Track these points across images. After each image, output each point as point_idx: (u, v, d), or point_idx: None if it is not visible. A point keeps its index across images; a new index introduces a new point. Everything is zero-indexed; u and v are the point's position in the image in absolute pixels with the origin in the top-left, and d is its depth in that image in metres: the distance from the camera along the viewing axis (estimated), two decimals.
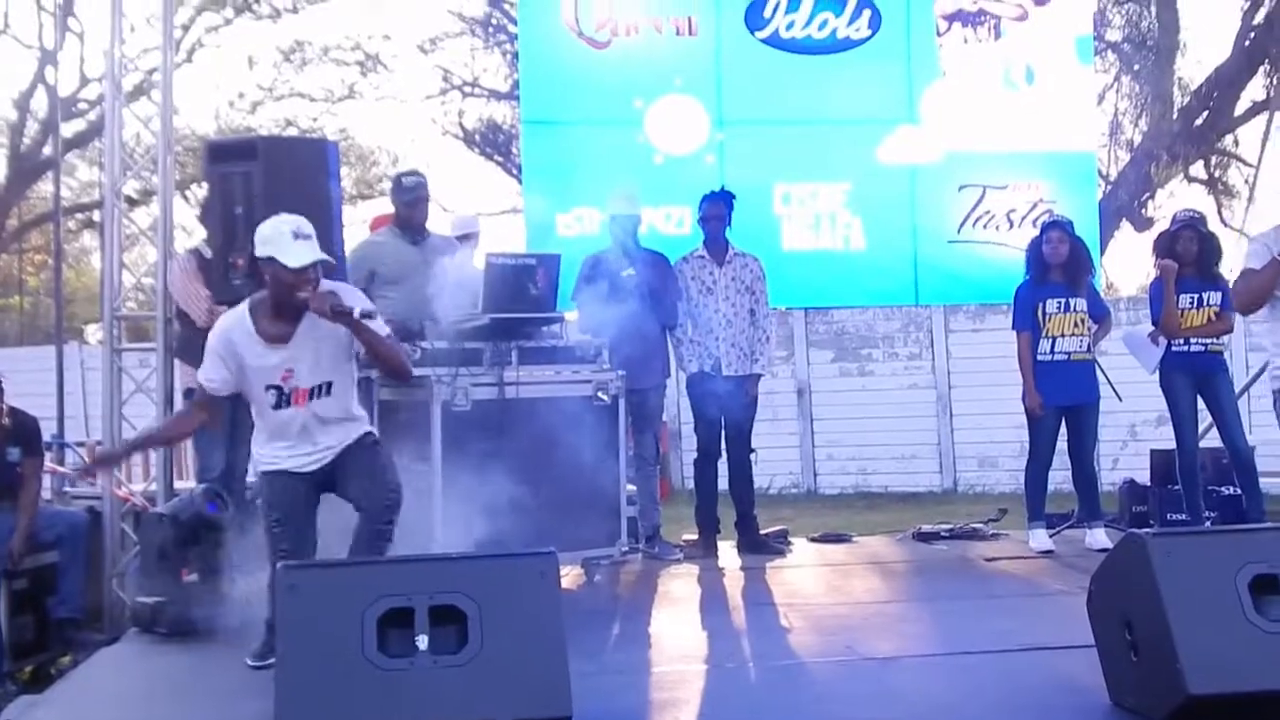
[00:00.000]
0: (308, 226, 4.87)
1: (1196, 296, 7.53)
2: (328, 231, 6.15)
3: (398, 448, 6.30)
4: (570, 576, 6.79)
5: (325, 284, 4.87)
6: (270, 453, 5.05)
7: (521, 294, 6.52)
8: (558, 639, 3.85)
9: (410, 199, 7.18)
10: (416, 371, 6.25)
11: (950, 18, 9.15)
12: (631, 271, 7.50)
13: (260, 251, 4.83)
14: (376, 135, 30.10)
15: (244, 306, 4.98)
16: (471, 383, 6.28)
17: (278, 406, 4.94)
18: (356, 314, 4.80)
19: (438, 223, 7.60)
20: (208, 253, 6.52)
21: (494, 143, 19.32)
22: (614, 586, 6.79)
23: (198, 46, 20.42)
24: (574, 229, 8.58)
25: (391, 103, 22.20)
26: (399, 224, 7.18)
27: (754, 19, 8.93)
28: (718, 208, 7.72)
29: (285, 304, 4.84)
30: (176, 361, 6.98)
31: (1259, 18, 17.32)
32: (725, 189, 7.84)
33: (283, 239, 4.79)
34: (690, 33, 8.84)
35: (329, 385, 4.97)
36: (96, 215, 20.05)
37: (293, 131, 19.96)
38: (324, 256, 4.88)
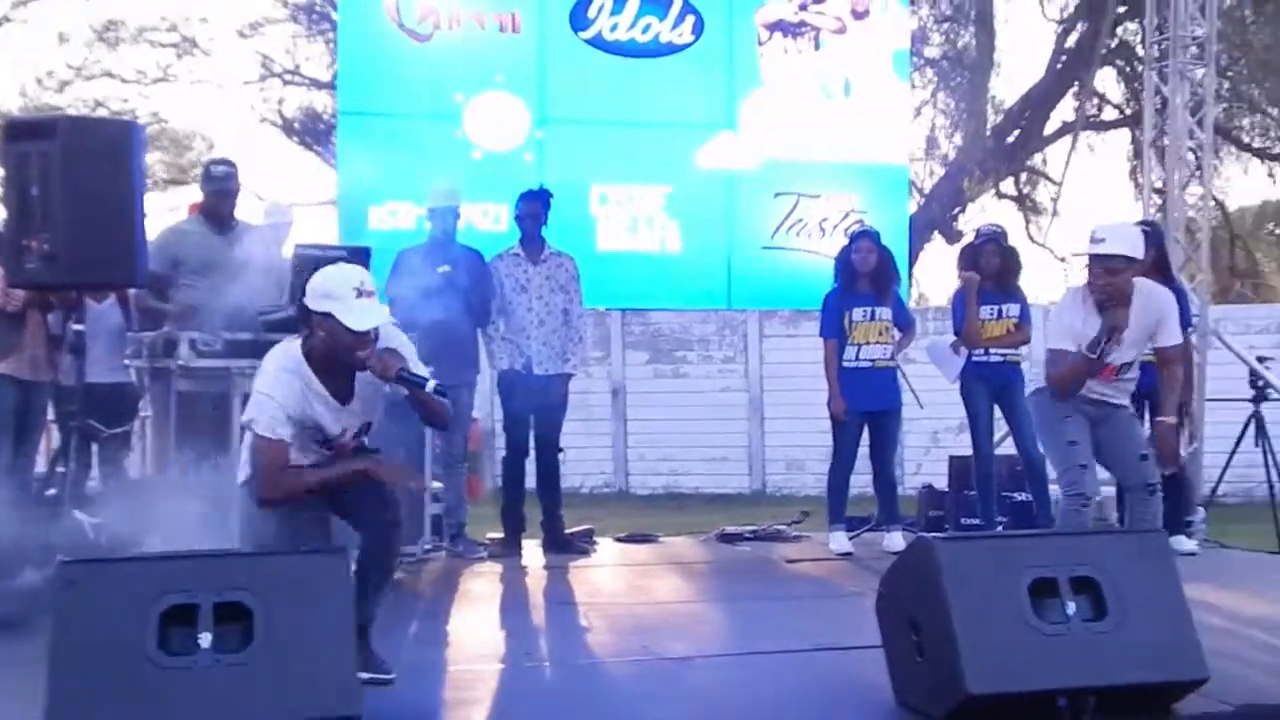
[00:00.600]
0: (370, 281, 4.45)
1: (997, 308, 7.75)
2: (128, 216, 5.99)
3: (197, 441, 6.18)
4: None
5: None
6: None
7: None
8: (347, 638, 3.79)
9: (219, 189, 7.03)
10: (218, 363, 6.13)
11: (771, 27, 9.28)
12: (447, 268, 7.44)
13: (317, 305, 4.37)
14: (192, 120, 29.27)
15: (297, 354, 4.47)
16: None
17: (317, 447, 4.57)
18: (430, 389, 4.47)
19: (252, 211, 7.45)
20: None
21: (314, 132, 19.00)
22: (415, 585, 6.71)
23: (4, 21, 19.65)
24: (388, 223, 8.49)
25: (208, 87, 21.53)
26: (205, 212, 7.02)
27: (578, 19, 8.94)
28: (534, 206, 7.70)
29: (341, 362, 4.44)
30: None
31: (1070, 42, 17.97)
32: (543, 187, 7.83)
33: (345, 297, 4.33)
34: (514, 29, 8.81)
35: (368, 426, 4.71)
36: None
37: (103, 113, 19.27)
38: (389, 319, 4.55)
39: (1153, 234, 7.23)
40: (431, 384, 4.48)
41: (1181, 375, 6.12)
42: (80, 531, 5.73)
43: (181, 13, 20.95)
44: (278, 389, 4.39)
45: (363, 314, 4.34)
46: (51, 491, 6.13)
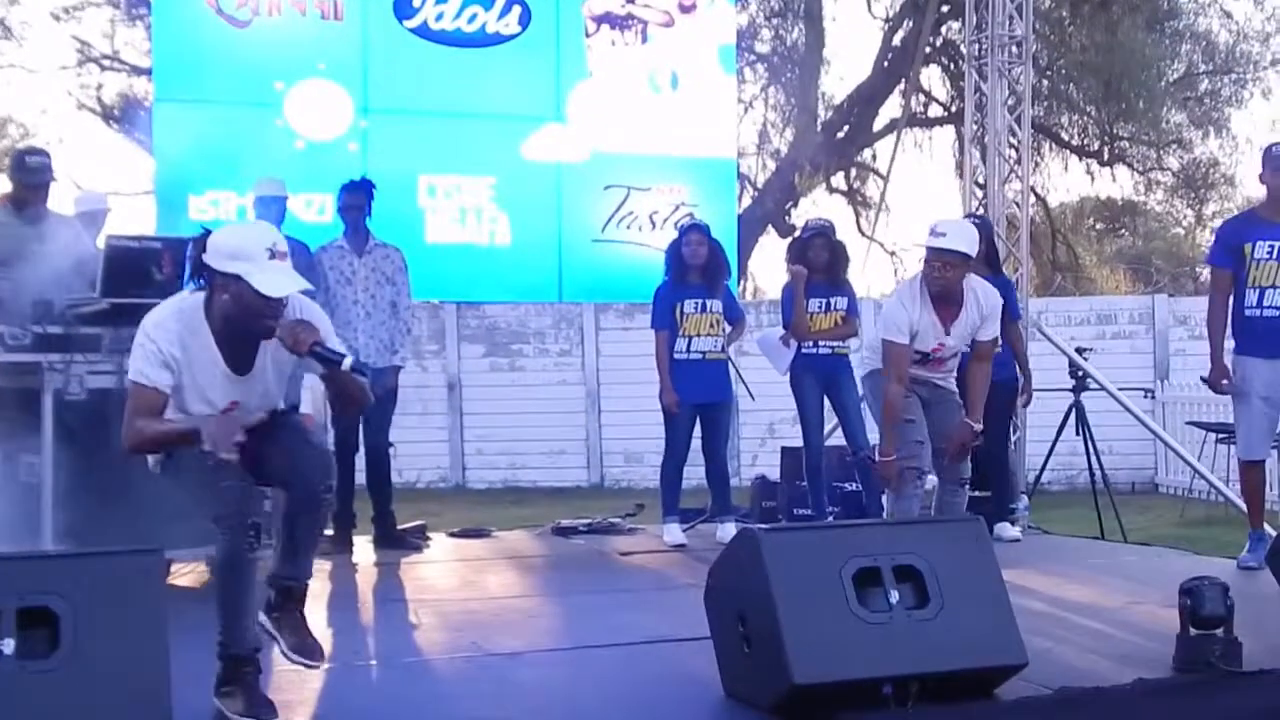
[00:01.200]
0: (283, 241, 4.01)
1: (825, 301, 7.84)
2: None
3: (5, 438, 5.94)
4: (194, 574, 6.51)
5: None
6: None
7: (144, 278, 6.17)
8: (160, 642, 3.64)
9: (34, 181, 6.74)
10: (24, 358, 5.90)
11: (599, 19, 9.27)
12: None
13: (222, 265, 3.89)
14: (4, 106, 28.24)
15: (198, 310, 4.01)
16: (87, 370, 5.94)
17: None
18: (347, 365, 4.01)
19: (65, 200, 7.18)
20: None
21: (134, 119, 18.44)
22: None
23: None
24: (209, 213, 8.26)
25: (21, 72, 20.74)
26: (14, 202, 6.73)
27: (402, 7, 8.82)
28: (357, 197, 7.56)
29: (244, 330, 4.00)
30: None
31: (896, 40, 18.32)
32: (365, 178, 7.68)
33: (257, 258, 3.87)
34: (336, 17, 8.66)
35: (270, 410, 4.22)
36: None
37: None
38: (306, 285, 4.03)
39: (982, 226, 7.42)
40: (348, 360, 4.03)
41: (990, 371, 6.35)
42: None
43: None
44: (159, 333, 3.96)
45: (276, 278, 3.88)
46: None
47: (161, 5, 8.73)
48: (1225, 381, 6.75)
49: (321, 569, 6.92)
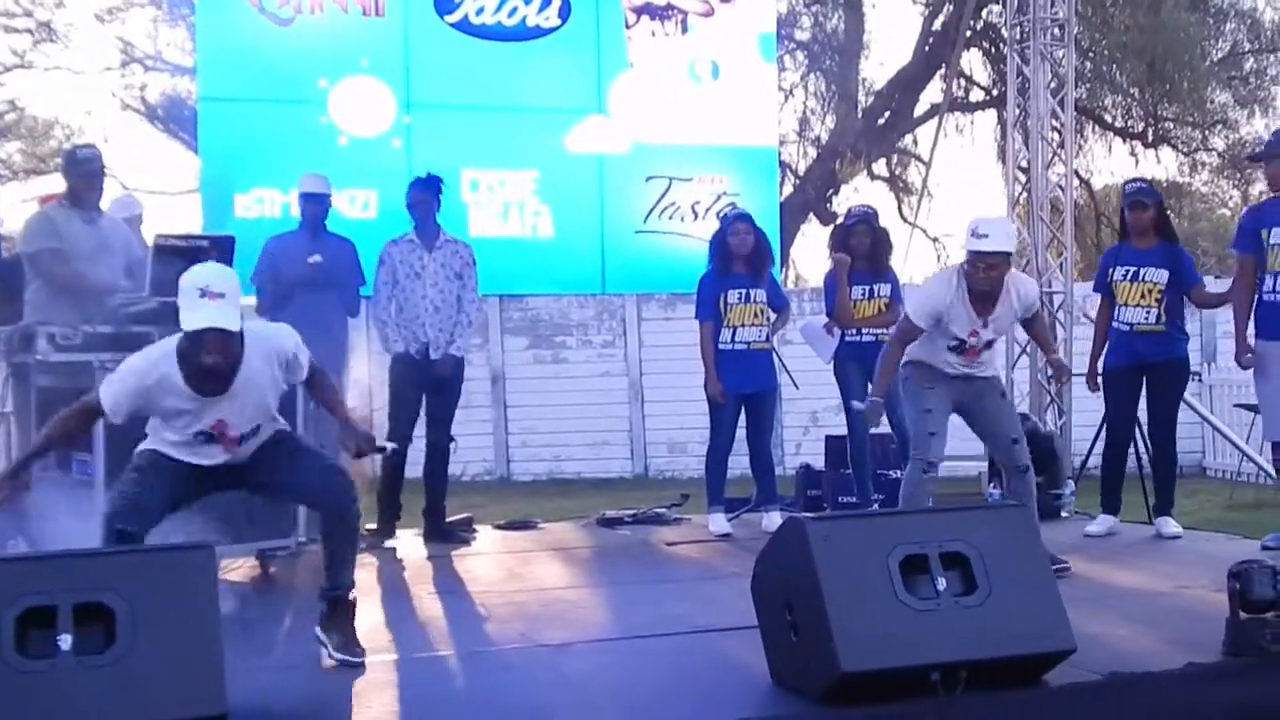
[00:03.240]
0: (221, 282, 4.32)
1: (868, 288, 7.82)
2: None
3: None
4: (245, 569, 6.58)
5: (257, 329, 4.60)
6: (165, 443, 4.58)
7: None
8: (213, 636, 3.70)
9: (85, 172, 6.84)
10: (78, 357, 5.97)
11: (639, 10, 9.28)
12: (318, 257, 7.35)
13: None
14: (51, 107, 28.49)
15: (171, 352, 4.41)
16: None
17: (204, 443, 4.53)
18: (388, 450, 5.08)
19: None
20: None
21: (178, 118, 18.60)
22: (290, 579, 6.59)
23: None
24: (254, 210, 8.35)
25: (66, 74, 20.96)
26: (71, 199, 6.81)
27: (443, 3, 8.88)
28: (425, 194, 7.59)
29: (195, 363, 4.35)
30: None
31: (937, 25, 18.21)
32: (432, 174, 7.68)
33: (188, 295, 4.26)
34: (377, 13, 8.70)
35: (258, 428, 4.60)
36: None
37: None
38: (226, 326, 4.27)
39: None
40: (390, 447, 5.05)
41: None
42: None
43: None
44: (122, 382, 4.46)
45: (195, 314, 4.24)
46: None
47: (205, 5, 8.79)
48: (1249, 355, 6.91)
49: (370, 563, 7.02)
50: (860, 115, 18.80)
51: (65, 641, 3.54)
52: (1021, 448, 6.21)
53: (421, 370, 7.54)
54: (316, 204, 7.50)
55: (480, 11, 8.91)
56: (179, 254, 6.29)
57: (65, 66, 19.96)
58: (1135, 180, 8.01)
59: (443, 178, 7.71)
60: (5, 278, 7.00)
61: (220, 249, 6.41)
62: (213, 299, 4.24)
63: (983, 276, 5.87)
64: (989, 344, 6.21)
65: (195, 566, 3.82)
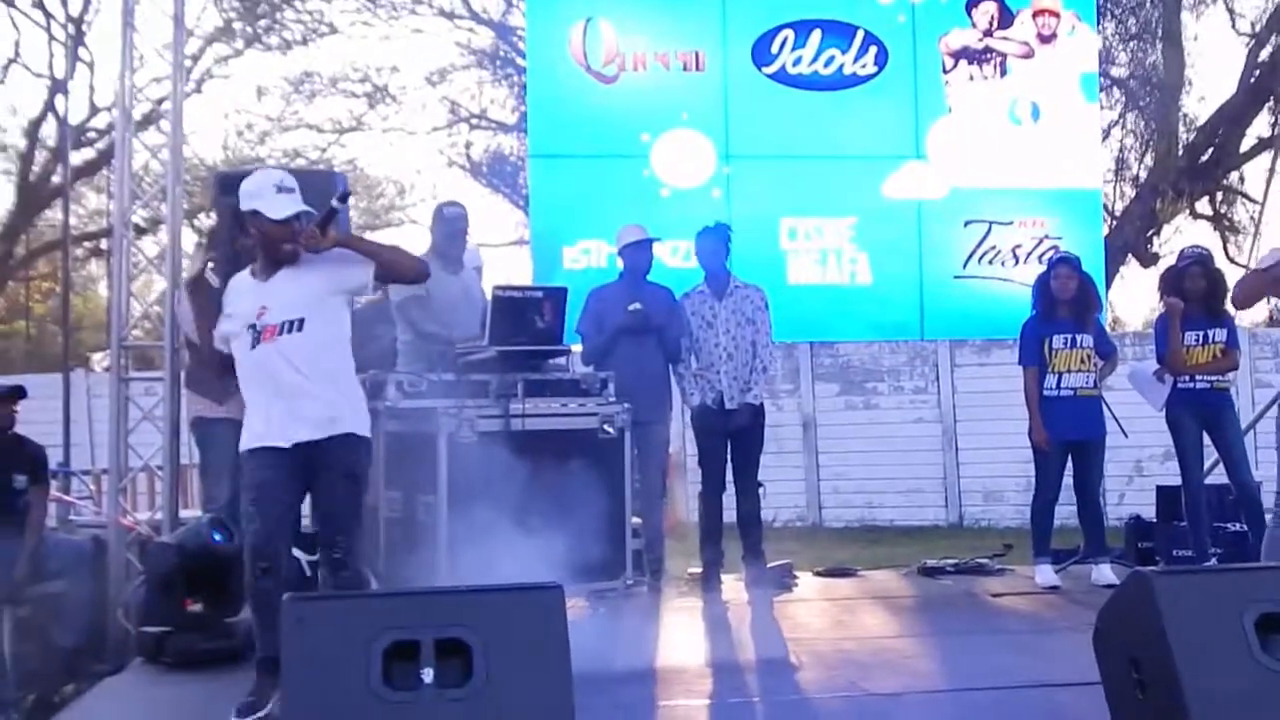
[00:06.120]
0: (290, 180, 4.95)
1: (1202, 334, 7.54)
2: None
3: (405, 480, 6.35)
4: (575, 608, 6.76)
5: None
6: (250, 427, 4.95)
7: (527, 326, 6.56)
8: (564, 673, 3.83)
9: (451, 230, 7.29)
10: (424, 404, 6.28)
11: (956, 55, 9.19)
12: (639, 306, 7.52)
13: (245, 205, 4.91)
14: (383, 166, 30.17)
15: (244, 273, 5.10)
16: (478, 415, 6.27)
17: (252, 346, 4.90)
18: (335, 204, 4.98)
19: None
20: (215, 281, 6.54)
21: (500, 174, 19.41)
22: (619, 619, 6.74)
23: (207, 77, 20.42)
24: (581, 262, 8.61)
25: (399, 134, 22.17)
26: (437, 254, 7.19)
27: (761, 55, 8.97)
28: (712, 242, 7.71)
29: (273, 257, 4.92)
30: (185, 391, 7.01)
31: (1264, 55, 17.40)
32: (719, 223, 7.83)
33: (266, 193, 4.86)
34: (697, 68, 8.88)
35: (300, 321, 4.88)
36: (103, 243, 20.09)
37: (301, 162, 19.98)
38: (306, 208, 4.89)
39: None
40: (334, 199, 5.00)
41: None
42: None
43: (373, 62, 21.59)
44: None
45: (281, 205, 4.82)
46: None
47: (535, 66, 9.15)
48: None
49: (694, 607, 7.13)
50: (1181, 152, 18.09)
51: (428, 675, 3.72)
52: None
53: (721, 419, 7.63)
54: (639, 251, 7.69)
55: (797, 62, 8.98)
56: (516, 305, 6.59)
57: (399, 127, 21.12)
58: None
59: (729, 225, 7.81)
60: None
61: (553, 300, 6.69)
62: (286, 193, 4.86)
63: None
64: None
65: (546, 605, 3.95)
